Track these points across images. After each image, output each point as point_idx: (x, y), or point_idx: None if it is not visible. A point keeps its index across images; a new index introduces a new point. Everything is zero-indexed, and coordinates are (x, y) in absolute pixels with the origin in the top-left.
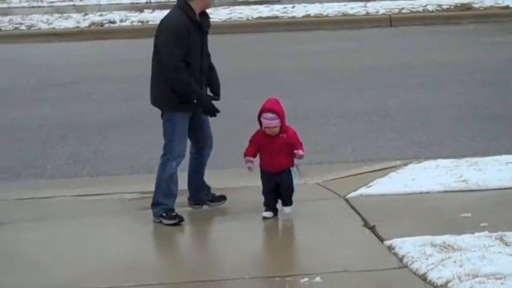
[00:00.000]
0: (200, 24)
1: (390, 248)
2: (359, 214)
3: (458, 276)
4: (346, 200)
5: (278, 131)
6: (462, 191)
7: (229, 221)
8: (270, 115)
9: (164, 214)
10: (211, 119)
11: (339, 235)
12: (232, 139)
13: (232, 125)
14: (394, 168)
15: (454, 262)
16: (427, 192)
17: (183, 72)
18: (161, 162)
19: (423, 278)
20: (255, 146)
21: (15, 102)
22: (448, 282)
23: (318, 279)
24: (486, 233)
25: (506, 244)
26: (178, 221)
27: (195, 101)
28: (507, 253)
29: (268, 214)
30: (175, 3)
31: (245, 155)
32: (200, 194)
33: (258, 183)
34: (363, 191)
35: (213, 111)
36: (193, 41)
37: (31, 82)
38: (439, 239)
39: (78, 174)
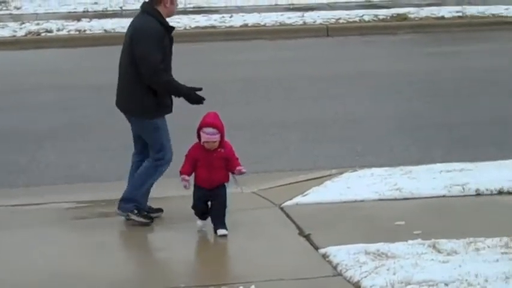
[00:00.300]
0: (170, 30)
1: (325, 256)
2: (294, 223)
3: (392, 284)
4: (282, 209)
5: (217, 146)
6: (396, 199)
7: (165, 230)
8: (210, 130)
9: (136, 211)
10: None
11: (274, 243)
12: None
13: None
14: (330, 177)
15: (388, 270)
16: (362, 201)
17: (163, 74)
18: (151, 165)
19: (357, 285)
20: (191, 162)
21: None
22: None
23: (253, 287)
24: (419, 240)
25: (439, 251)
26: (150, 221)
27: (181, 96)
28: (439, 260)
29: (202, 223)
30: (138, 10)
31: (181, 172)
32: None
33: None
34: (298, 199)
35: (201, 100)
36: (166, 46)
37: None
38: (373, 247)
39: (14, 184)
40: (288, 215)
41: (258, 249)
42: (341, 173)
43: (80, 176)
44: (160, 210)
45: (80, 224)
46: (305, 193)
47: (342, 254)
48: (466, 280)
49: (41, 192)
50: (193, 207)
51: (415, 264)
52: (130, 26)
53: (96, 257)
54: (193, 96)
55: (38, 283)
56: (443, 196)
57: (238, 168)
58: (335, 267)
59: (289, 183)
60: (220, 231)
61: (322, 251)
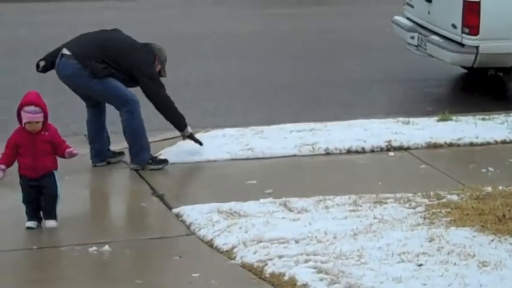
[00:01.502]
0: None
1: (178, 215)
2: (148, 183)
3: (244, 242)
4: (135, 170)
5: (40, 128)
6: (248, 158)
7: (14, 193)
8: (32, 108)
9: (150, 161)
10: None
11: (128, 204)
12: None
13: None
14: (182, 137)
15: (240, 228)
16: (215, 161)
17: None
18: (126, 116)
19: (210, 244)
20: (12, 150)
21: None
22: (233, 247)
23: (106, 247)
24: (271, 199)
25: (290, 210)
26: (166, 163)
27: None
28: (290, 218)
29: (33, 224)
30: None
31: None
32: (104, 150)
33: None
34: None
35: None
36: None
37: None
38: (225, 206)
39: None
40: (141, 176)
41: (111, 210)
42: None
43: None
44: (122, 153)
45: None
46: (158, 153)
47: (195, 213)
48: (316, 237)
49: None
50: (25, 201)
51: (267, 222)
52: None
53: None
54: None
55: None
56: (294, 155)
57: (68, 150)
58: (188, 227)
59: None
60: (49, 223)
61: (175, 210)
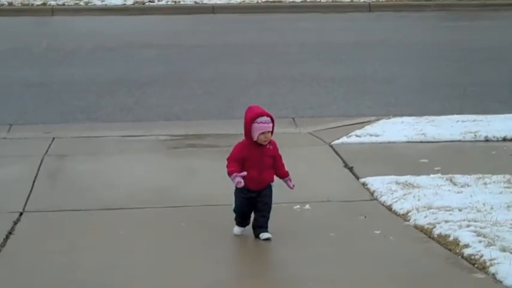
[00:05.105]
0: None
1: (364, 184)
2: (340, 157)
3: (416, 208)
4: (331, 146)
5: (270, 137)
6: (421, 142)
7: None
8: (265, 118)
9: None
10: None
11: (324, 173)
12: None
13: None
14: (369, 122)
15: (414, 197)
16: (394, 142)
17: None
18: None
19: (389, 208)
20: (239, 162)
21: (74, 62)
22: (408, 212)
23: (307, 206)
24: (439, 175)
25: (455, 184)
26: None
27: None
28: (455, 191)
29: (241, 231)
30: None
31: (232, 171)
32: None
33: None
34: (344, 139)
35: None
36: None
37: (88, 46)
38: (402, 179)
39: (123, 119)
40: (335, 151)
41: (312, 177)
42: (378, 120)
43: (174, 115)
44: None
45: (173, 152)
46: (349, 134)
47: (377, 183)
48: (476, 207)
49: (144, 126)
50: (237, 211)
51: (435, 193)
52: None
53: (186, 178)
54: None
55: (140, 195)
56: (459, 141)
57: (289, 182)
58: (372, 193)
59: (337, 126)
60: (264, 235)
61: (361, 180)
